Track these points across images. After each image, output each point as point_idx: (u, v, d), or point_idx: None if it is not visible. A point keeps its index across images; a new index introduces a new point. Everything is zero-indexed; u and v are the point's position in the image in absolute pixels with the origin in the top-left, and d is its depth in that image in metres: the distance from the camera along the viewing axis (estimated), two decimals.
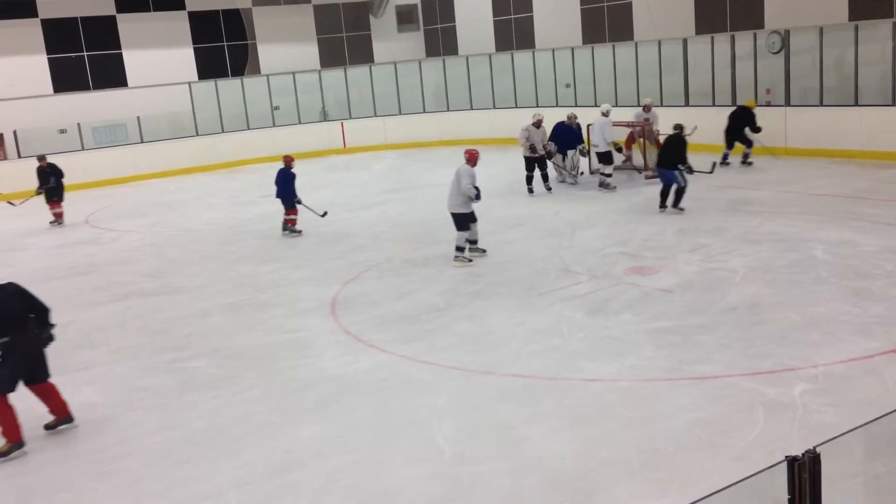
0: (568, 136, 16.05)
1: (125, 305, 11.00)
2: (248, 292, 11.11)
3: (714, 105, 18.76)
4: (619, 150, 16.33)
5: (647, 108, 16.98)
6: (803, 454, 3.14)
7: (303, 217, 14.58)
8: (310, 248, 13.33)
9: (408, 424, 6.73)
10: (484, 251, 11.58)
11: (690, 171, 12.82)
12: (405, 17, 29.88)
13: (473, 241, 11.49)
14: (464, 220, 11.22)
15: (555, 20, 24.68)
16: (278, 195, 14.02)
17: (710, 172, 13.59)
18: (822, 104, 16.76)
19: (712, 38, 19.02)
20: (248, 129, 24.88)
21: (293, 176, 13.97)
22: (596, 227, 12.72)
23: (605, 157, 15.34)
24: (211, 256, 13.36)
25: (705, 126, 18.44)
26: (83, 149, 22.73)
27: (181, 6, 25.96)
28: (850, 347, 7.31)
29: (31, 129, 22.48)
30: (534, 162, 15.86)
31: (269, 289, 11.20)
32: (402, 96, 25.68)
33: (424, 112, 25.34)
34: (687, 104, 19.39)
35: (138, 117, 23.40)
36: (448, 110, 25.14)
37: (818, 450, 3.17)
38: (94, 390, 8.12)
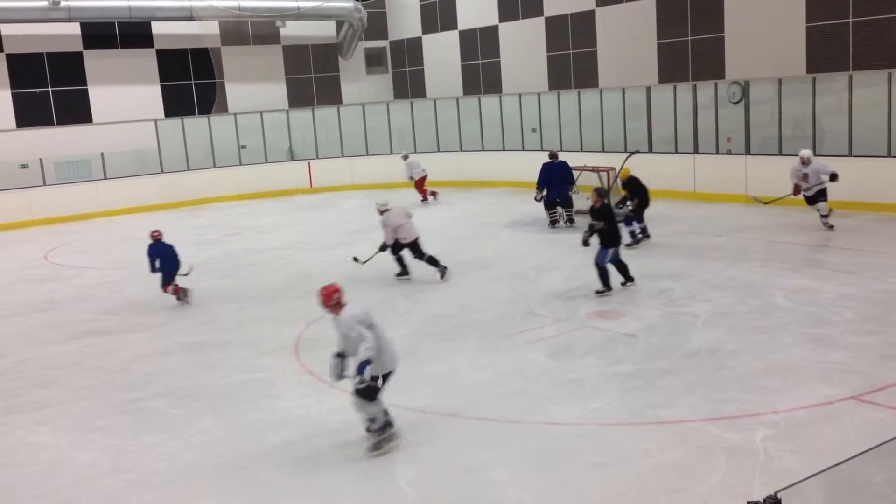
0: (559, 174, 16.14)
1: (83, 344, 10.77)
2: (211, 331, 10.97)
3: (677, 152, 19.09)
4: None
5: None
6: (765, 500, 3.15)
7: (265, 256, 14.44)
8: (274, 287, 13.21)
9: (371, 467, 6.65)
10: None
11: None
12: (374, 60, 30.16)
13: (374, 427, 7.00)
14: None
15: (522, 66, 25.07)
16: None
17: None
18: (781, 153, 17.14)
19: (675, 86, 19.44)
20: (214, 167, 24.78)
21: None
22: (560, 270, 12.79)
23: (820, 196, 14.10)
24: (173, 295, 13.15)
25: (667, 173, 18.80)
26: (45, 184, 22.44)
27: (149, 44, 25.96)
28: (811, 394, 7.39)
29: None
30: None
31: (231, 328, 11.06)
32: (369, 137, 25.80)
33: (392, 153, 25.46)
34: (650, 151, 19.71)
35: (102, 153, 23.19)
36: (415, 152, 25.27)
37: (779, 495, 3.18)
38: (47, 430, 7.92)
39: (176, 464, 6.97)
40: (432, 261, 12.82)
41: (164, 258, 12.37)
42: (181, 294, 12.44)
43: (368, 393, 6.73)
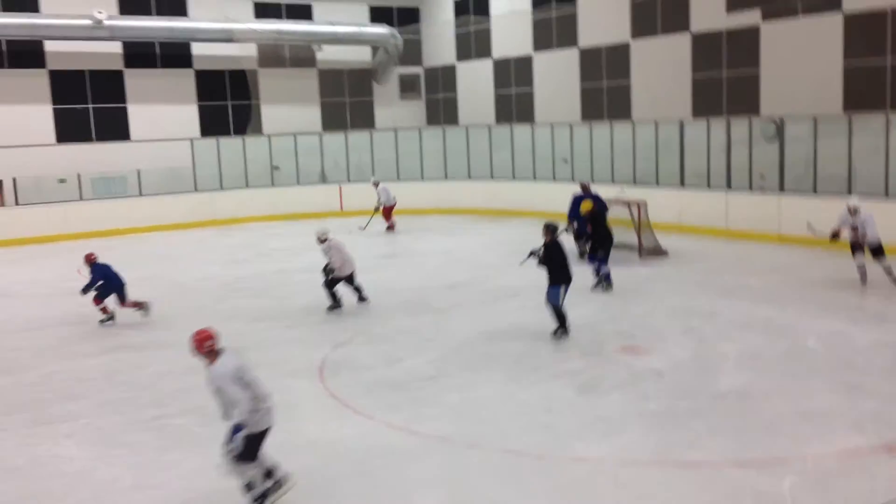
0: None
1: (112, 358, 10.88)
2: (240, 347, 10.98)
3: (709, 187, 18.99)
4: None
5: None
6: None
7: (294, 278, 14.51)
8: (302, 308, 13.27)
9: (392, 496, 6.62)
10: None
11: None
12: (408, 86, 30.41)
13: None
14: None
15: (555, 96, 25.15)
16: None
17: None
18: (815, 192, 16.98)
19: (708, 121, 19.38)
20: (247, 187, 25.07)
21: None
22: (590, 303, 12.71)
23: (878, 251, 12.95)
24: (202, 312, 13.23)
25: (699, 209, 18.70)
26: (81, 199, 22.84)
27: (188, 64, 26.41)
28: (841, 441, 7.25)
29: (32, 178, 22.61)
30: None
31: (258, 348, 11.08)
32: (401, 163, 25.97)
33: (423, 180, 25.57)
34: (682, 185, 19.63)
35: (139, 170, 23.58)
36: (446, 179, 25.38)
37: None
38: (73, 443, 7.99)
39: (198, 483, 6.98)
40: (359, 289, 13.10)
41: (107, 277, 12.75)
42: (109, 315, 12.80)
43: (243, 454, 6.24)
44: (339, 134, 26.93)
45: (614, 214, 16.65)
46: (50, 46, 24.09)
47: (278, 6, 27.51)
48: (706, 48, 20.71)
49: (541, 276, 14.90)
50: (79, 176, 22.92)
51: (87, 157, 23.75)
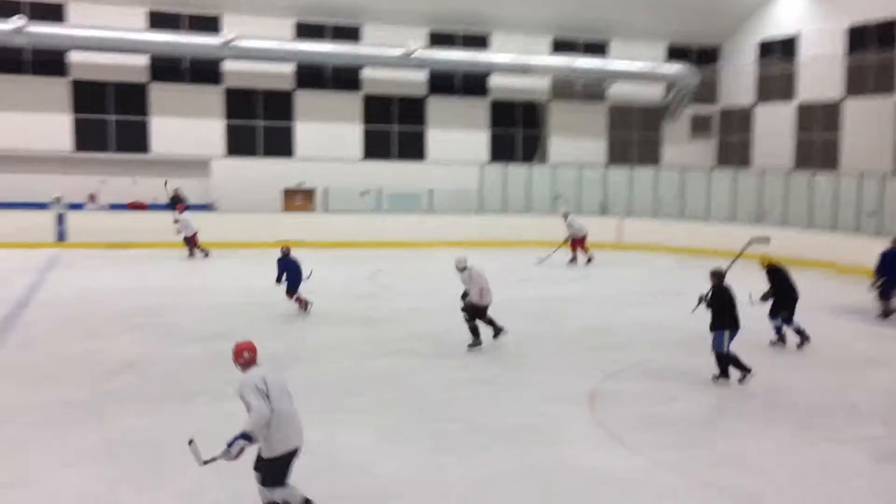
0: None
1: (394, 361, 11.55)
2: (509, 368, 11.25)
3: None
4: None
5: None
6: None
7: (567, 307, 14.48)
8: (574, 334, 13.27)
9: None
10: None
11: None
12: (700, 125, 29.53)
13: None
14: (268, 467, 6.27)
15: (866, 144, 23.11)
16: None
17: None
18: None
19: None
20: (530, 212, 25.72)
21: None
22: (891, 368, 11.47)
23: None
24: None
25: None
26: (378, 211, 24.82)
27: (484, 93, 27.71)
28: None
29: (339, 189, 25.02)
30: None
31: (529, 369, 11.26)
32: (686, 202, 25.21)
33: (707, 220, 24.62)
34: None
35: (431, 189, 25.13)
36: (735, 221, 24.21)
37: None
38: (356, 434, 8.50)
39: (468, 483, 7.20)
40: (492, 322, 12.37)
41: (290, 272, 14.25)
42: (302, 305, 14.37)
43: (272, 478, 6.15)
44: (624, 168, 26.76)
45: None
46: (366, 73, 26.48)
47: (575, 43, 28.03)
48: None
49: (836, 334, 13.76)
50: (379, 190, 24.95)
51: (387, 173, 25.84)
